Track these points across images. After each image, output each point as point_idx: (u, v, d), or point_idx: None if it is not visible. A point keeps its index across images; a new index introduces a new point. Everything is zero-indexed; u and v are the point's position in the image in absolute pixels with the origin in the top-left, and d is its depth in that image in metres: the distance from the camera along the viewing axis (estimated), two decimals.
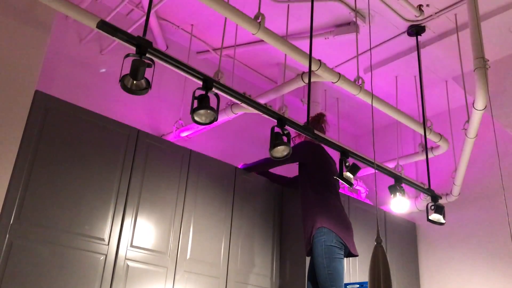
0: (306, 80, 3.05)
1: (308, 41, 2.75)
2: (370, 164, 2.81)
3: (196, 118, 2.10)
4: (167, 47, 4.18)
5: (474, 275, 4.31)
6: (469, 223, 4.47)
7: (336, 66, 4.47)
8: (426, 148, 3.34)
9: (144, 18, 3.47)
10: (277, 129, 2.41)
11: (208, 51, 4.34)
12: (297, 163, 3.49)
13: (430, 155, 4.17)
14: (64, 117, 2.88)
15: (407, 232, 4.74)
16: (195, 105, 2.09)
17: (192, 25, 4.09)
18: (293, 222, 3.78)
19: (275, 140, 2.35)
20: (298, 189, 3.48)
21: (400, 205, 3.03)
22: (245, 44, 4.19)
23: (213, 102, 2.22)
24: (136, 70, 1.78)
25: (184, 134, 3.75)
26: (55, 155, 2.78)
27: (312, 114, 4.52)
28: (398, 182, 3.05)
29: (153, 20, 3.83)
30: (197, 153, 3.50)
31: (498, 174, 4.33)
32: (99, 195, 2.89)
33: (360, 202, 4.39)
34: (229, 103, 3.36)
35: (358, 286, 3.18)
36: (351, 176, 2.62)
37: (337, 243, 3.03)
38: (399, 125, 4.85)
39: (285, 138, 2.42)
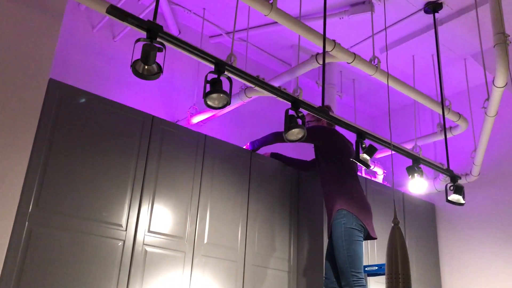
0: (321, 62, 3.00)
1: (320, 21, 2.70)
2: (387, 145, 2.76)
3: (209, 102, 2.08)
4: (180, 32, 4.16)
5: (495, 256, 4.26)
6: (490, 204, 4.39)
7: (351, 47, 4.39)
8: (444, 127, 3.27)
9: (155, 3, 3.45)
10: (291, 112, 2.38)
11: (221, 35, 4.30)
12: (313, 147, 3.48)
13: (449, 135, 4.10)
14: (79, 104, 2.89)
15: (426, 214, 4.69)
16: (208, 89, 2.07)
17: (204, 8, 4.05)
18: (310, 205, 3.77)
19: (290, 123, 2.32)
20: (317, 173, 3.47)
21: (418, 186, 2.98)
22: (259, 26, 4.14)
23: (225, 85, 2.19)
24: (147, 55, 1.77)
25: (198, 119, 3.73)
26: (70, 142, 2.79)
27: (327, 95, 4.49)
28: (415, 163, 3.00)
29: (164, 5, 3.80)
30: (212, 138, 3.49)
31: None
32: (115, 182, 2.91)
33: (377, 184, 4.34)
34: (242, 86, 3.33)
35: (376, 268, 3.16)
36: (368, 157, 2.58)
37: (357, 226, 3.01)
38: (417, 105, 4.77)
39: (299, 121, 2.38)
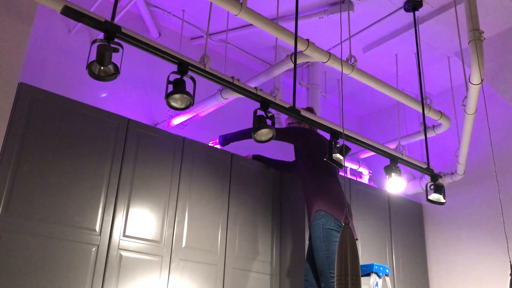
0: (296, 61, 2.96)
1: (302, 21, 2.66)
2: (359, 143, 2.73)
3: (172, 103, 2.05)
4: (160, 34, 4.13)
5: (482, 255, 4.21)
6: (476, 203, 4.35)
7: (333, 47, 4.36)
8: (424, 125, 3.24)
9: (132, 3, 3.43)
10: (260, 112, 2.34)
11: (202, 36, 4.27)
12: (293, 148, 3.45)
13: (432, 134, 4.06)
14: (51, 108, 2.86)
15: (413, 213, 4.65)
16: (170, 89, 2.04)
17: (183, 10, 4.03)
18: (293, 207, 3.73)
19: (258, 123, 2.29)
20: (297, 174, 3.44)
21: (395, 185, 2.95)
22: (242, 27, 4.11)
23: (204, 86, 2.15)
24: (102, 56, 1.74)
25: (178, 121, 3.70)
26: (43, 147, 2.76)
27: (311, 96, 4.47)
28: (393, 162, 2.97)
29: (142, 7, 3.77)
30: (191, 140, 3.45)
31: (506, 152, 4.20)
32: (89, 186, 2.87)
33: (362, 185, 4.30)
34: (219, 88, 3.30)
35: None
36: (341, 157, 2.54)
37: (335, 226, 2.97)
38: (403, 105, 4.73)
39: (269, 121, 2.35)
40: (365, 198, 4.19)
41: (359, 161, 4.57)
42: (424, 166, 3.28)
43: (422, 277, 4.43)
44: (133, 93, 3.91)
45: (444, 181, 4.35)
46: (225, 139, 3.56)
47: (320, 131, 3.87)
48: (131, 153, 3.11)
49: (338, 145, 2.64)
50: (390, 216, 4.36)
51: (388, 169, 2.95)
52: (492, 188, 4.20)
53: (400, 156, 3.04)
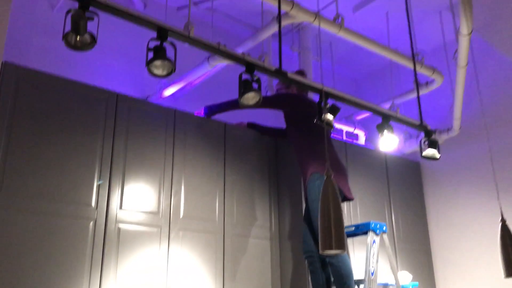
0: (282, 23, 2.91)
1: None
2: (345, 101, 2.70)
3: (153, 70, 2.02)
4: (145, 6, 4.06)
5: (481, 209, 4.23)
6: (474, 158, 4.34)
7: (323, 8, 4.27)
8: (416, 82, 3.20)
9: None
10: (245, 76, 2.32)
11: (187, 5, 4.18)
12: (283, 115, 3.44)
13: (425, 91, 4.04)
14: (38, 86, 2.84)
15: (411, 172, 4.65)
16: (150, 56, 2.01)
17: None
18: (289, 172, 3.73)
19: (244, 87, 2.27)
20: (289, 140, 3.44)
21: (388, 143, 2.93)
22: None
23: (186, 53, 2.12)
24: (77, 24, 1.71)
25: (168, 92, 3.67)
26: (32, 125, 2.74)
27: (303, 60, 4.42)
28: (385, 120, 2.95)
29: None
30: (182, 112, 3.43)
31: (499, 104, 4.17)
32: (82, 162, 2.87)
33: (358, 147, 4.30)
34: (207, 56, 3.26)
35: (354, 228, 3.14)
36: (331, 118, 2.52)
37: None
38: (396, 65, 4.68)
39: (255, 85, 2.32)
40: (362, 160, 4.19)
41: (354, 123, 4.55)
42: (417, 123, 3.26)
43: (421, 234, 4.46)
44: (122, 66, 3.87)
45: (441, 137, 4.34)
46: (210, 110, 3.52)
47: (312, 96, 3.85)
48: (122, 127, 3.10)
49: (327, 106, 2.62)
50: (388, 176, 4.36)
51: (380, 127, 2.94)
52: (488, 142, 4.18)
53: (393, 114, 3.01)
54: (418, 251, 4.36)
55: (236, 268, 3.33)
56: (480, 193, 4.26)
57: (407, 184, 4.53)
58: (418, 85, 3.34)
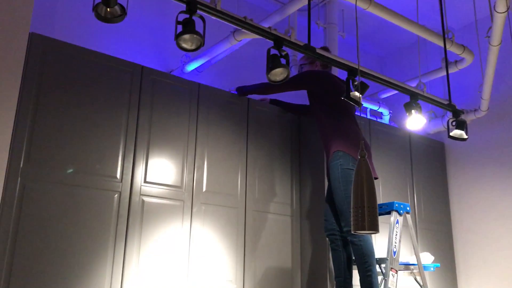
0: None
1: None
2: (376, 80, 2.65)
3: (182, 44, 2.00)
4: None
5: (505, 192, 4.16)
6: (500, 139, 4.25)
7: None
8: (446, 60, 3.11)
9: None
10: (273, 51, 2.28)
11: None
12: (307, 92, 3.39)
13: (454, 69, 3.94)
14: (64, 58, 2.84)
15: (435, 152, 4.59)
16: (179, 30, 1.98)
17: None
18: (311, 149, 3.71)
19: (272, 62, 2.23)
20: (313, 118, 3.40)
21: (416, 122, 2.88)
22: None
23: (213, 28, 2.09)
24: None
25: (192, 67, 3.65)
26: (58, 96, 2.76)
27: (328, 36, 4.33)
28: (413, 99, 2.89)
29: None
30: (206, 86, 3.42)
31: None
32: (107, 134, 2.89)
33: (382, 125, 4.24)
34: (232, 30, 3.22)
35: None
36: (359, 95, 2.48)
37: (354, 166, 2.95)
38: (424, 43, 4.56)
39: (283, 60, 2.29)
40: (386, 139, 4.14)
41: (379, 102, 4.48)
42: (446, 102, 3.19)
43: (443, 215, 4.42)
44: (146, 39, 3.85)
45: (467, 118, 4.26)
46: (241, 91, 3.52)
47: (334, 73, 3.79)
48: (147, 100, 3.10)
49: (355, 83, 2.58)
50: (411, 155, 4.31)
51: (408, 106, 2.88)
52: None
53: (420, 93, 2.95)
54: (439, 232, 4.33)
55: (256, 243, 3.36)
56: (505, 176, 4.18)
57: (430, 164, 4.48)
58: (447, 63, 3.25)
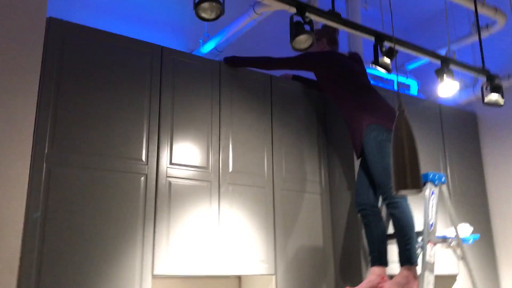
0: None
1: None
2: (403, 46, 2.52)
3: (201, 14, 1.92)
4: None
5: None
6: None
7: None
8: (477, 21, 2.96)
9: None
10: (296, 18, 2.18)
11: None
12: (319, 79, 3.28)
13: (486, 34, 3.76)
14: (83, 41, 2.80)
15: (467, 124, 4.41)
16: None
17: None
18: (338, 125, 3.60)
19: (295, 29, 2.13)
20: (331, 99, 3.29)
21: (448, 89, 2.75)
22: None
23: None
24: None
25: (210, 47, 3.57)
26: (79, 80, 2.72)
27: (350, 7, 4.19)
28: (445, 64, 2.75)
29: None
30: (227, 65, 3.33)
31: None
32: (130, 117, 2.84)
33: (410, 97, 4.10)
34: (251, 3, 3.12)
35: None
36: (388, 61, 2.36)
37: (388, 137, 2.82)
38: (451, 10, 4.36)
39: (307, 27, 2.19)
40: (415, 110, 3.98)
41: (406, 73, 4.33)
42: (479, 68, 3.04)
43: (478, 187, 4.26)
44: (163, 20, 3.78)
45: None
46: (231, 61, 3.27)
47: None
48: (168, 81, 3.04)
49: (384, 49, 2.46)
50: (442, 127, 4.15)
51: (440, 72, 2.75)
52: None
53: (452, 59, 2.81)
54: (474, 204, 4.17)
55: (286, 223, 3.28)
56: None
57: (463, 136, 4.31)
58: (479, 26, 3.09)
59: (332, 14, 2.29)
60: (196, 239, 2.89)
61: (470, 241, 3.00)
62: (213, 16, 1.92)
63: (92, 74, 2.77)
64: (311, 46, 2.22)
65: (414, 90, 4.43)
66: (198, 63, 3.21)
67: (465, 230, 2.97)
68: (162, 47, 3.07)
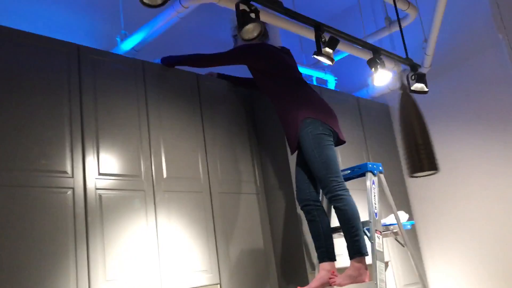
0: None
1: None
2: (343, 35, 2.51)
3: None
4: None
5: (460, 142, 4.20)
6: (447, 94, 4.28)
7: None
8: (397, 12, 3.04)
9: None
10: (242, 7, 2.05)
11: None
12: (248, 68, 3.19)
13: (396, 28, 3.92)
14: None
15: (382, 116, 4.59)
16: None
17: None
18: (268, 123, 3.53)
19: (243, 18, 2.00)
20: (264, 93, 3.20)
21: (382, 78, 2.79)
22: None
23: None
24: None
25: (127, 46, 3.31)
26: None
27: None
28: (376, 54, 2.79)
29: None
30: (150, 63, 3.11)
31: (472, 37, 4.10)
32: (49, 125, 2.50)
33: (332, 91, 4.16)
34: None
35: (349, 171, 3.00)
36: (331, 51, 2.33)
37: (324, 130, 2.82)
38: (360, 6, 4.51)
39: (253, 15, 2.06)
40: (336, 104, 3.99)
41: (324, 68, 4.39)
42: (403, 58, 3.14)
43: (398, 175, 4.44)
44: (77, 17, 3.42)
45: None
46: (167, 61, 3.14)
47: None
48: (88, 83, 2.73)
49: (323, 39, 2.42)
50: (362, 120, 4.27)
51: (373, 62, 2.78)
52: (461, 76, 4.12)
53: (382, 49, 2.86)
54: (395, 191, 4.33)
55: (227, 228, 3.13)
56: (457, 127, 4.22)
57: (379, 128, 4.47)
58: (399, 19, 3.20)
59: (274, 3, 2.19)
60: (134, 255, 2.62)
61: (409, 227, 3.08)
62: (159, 1, 1.72)
63: (1, 79, 2.39)
64: (259, 35, 2.10)
65: (331, 85, 4.52)
66: (120, 62, 2.94)
67: (402, 216, 3.04)
68: (79, 45, 2.77)
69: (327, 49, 2.32)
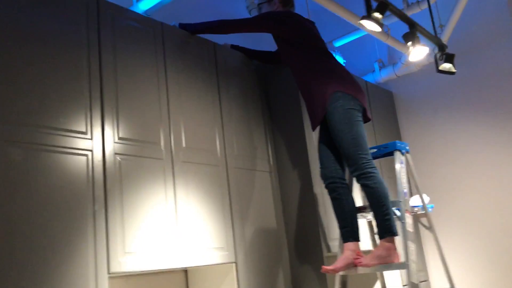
0: None
1: None
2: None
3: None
4: None
5: (458, 131, 4.19)
6: (447, 82, 4.25)
7: None
8: None
9: None
10: None
11: None
12: (273, 38, 3.03)
13: (416, 10, 3.84)
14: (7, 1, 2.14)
15: (386, 102, 4.53)
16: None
17: None
18: (281, 99, 3.38)
19: None
20: (288, 65, 3.03)
21: (418, 52, 2.69)
22: None
23: None
24: None
25: (145, 6, 3.09)
26: (7, 48, 2.07)
27: None
28: (413, 29, 2.69)
29: None
30: (169, 26, 2.90)
31: (488, 25, 4.07)
32: (68, 81, 2.27)
33: None
34: None
35: (375, 150, 2.90)
36: (380, 16, 2.19)
37: (355, 105, 2.69)
38: None
39: None
40: None
41: (334, 50, 4.28)
42: (433, 36, 3.05)
43: None
44: None
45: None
46: (185, 28, 2.97)
47: None
48: (108, 40, 2.51)
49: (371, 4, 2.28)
50: (370, 104, 4.18)
51: (410, 36, 2.67)
52: (461, 65, 4.09)
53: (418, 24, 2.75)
54: None
55: (242, 205, 2.97)
56: (455, 115, 4.21)
57: (383, 114, 4.40)
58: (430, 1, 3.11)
59: None
60: (153, 228, 2.42)
61: (430, 210, 3.01)
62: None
63: (19, 33, 2.14)
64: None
65: None
66: (140, 22, 2.72)
67: (425, 199, 2.96)
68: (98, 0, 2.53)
69: (376, 14, 2.19)
